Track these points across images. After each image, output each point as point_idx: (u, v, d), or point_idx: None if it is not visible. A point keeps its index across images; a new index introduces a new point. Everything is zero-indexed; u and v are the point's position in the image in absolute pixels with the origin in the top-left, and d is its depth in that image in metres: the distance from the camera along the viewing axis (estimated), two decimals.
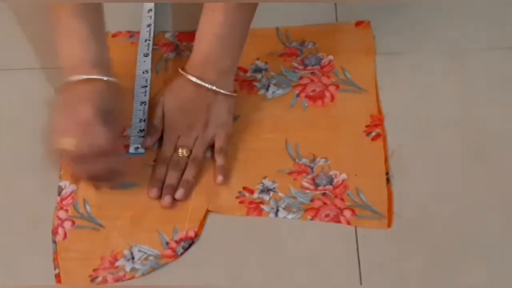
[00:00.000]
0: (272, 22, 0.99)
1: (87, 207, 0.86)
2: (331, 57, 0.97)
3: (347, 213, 0.84)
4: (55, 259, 0.83)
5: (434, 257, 0.81)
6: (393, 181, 0.86)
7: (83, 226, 0.85)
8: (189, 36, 0.99)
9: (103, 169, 0.82)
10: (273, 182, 0.87)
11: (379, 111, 0.92)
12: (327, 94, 0.93)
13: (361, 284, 0.80)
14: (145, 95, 0.93)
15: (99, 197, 0.87)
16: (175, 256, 0.83)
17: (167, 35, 1.00)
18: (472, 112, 0.91)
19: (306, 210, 0.85)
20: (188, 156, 0.87)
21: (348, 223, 0.84)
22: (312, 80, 0.94)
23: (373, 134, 0.90)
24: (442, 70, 0.95)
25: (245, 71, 0.96)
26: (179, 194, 0.85)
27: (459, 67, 0.95)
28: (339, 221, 0.84)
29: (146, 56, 0.96)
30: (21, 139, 0.92)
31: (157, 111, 0.90)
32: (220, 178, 0.86)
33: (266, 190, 0.86)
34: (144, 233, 0.84)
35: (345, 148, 0.89)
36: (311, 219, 0.84)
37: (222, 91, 0.87)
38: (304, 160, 0.88)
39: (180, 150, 0.87)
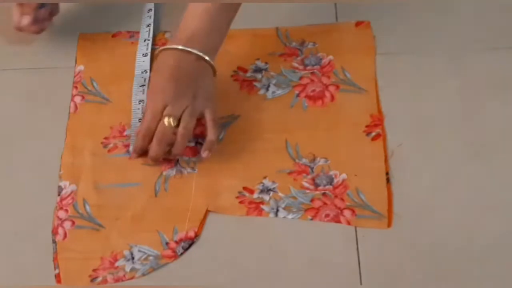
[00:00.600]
0: (272, 22, 0.99)
1: (87, 207, 0.86)
2: (331, 57, 0.97)
3: (347, 213, 0.84)
4: (55, 259, 0.83)
5: (434, 256, 0.81)
6: (393, 181, 0.86)
7: (83, 226, 0.85)
8: None
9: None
10: (273, 182, 0.87)
11: (379, 111, 0.91)
12: (327, 94, 0.93)
13: (361, 284, 0.80)
14: (143, 94, 0.93)
15: (99, 197, 0.87)
16: (175, 256, 0.83)
17: (167, 35, 1.00)
18: (472, 112, 0.91)
19: (306, 210, 0.85)
20: (176, 126, 0.84)
21: (348, 223, 0.84)
22: (312, 80, 0.94)
23: (373, 134, 0.90)
24: (442, 70, 0.95)
25: (245, 71, 0.96)
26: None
27: (459, 67, 0.95)
28: (339, 221, 0.84)
29: (145, 56, 0.96)
30: (21, 139, 0.92)
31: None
32: (206, 153, 0.85)
33: (266, 190, 0.86)
34: (144, 233, 0.84)
35: (345, 148, 0.89)
36: (311, 219, 0.84)
37: (211, 61, 0.85)
38: (304, 160, 0.88)
39: (166, 119, 0.83)
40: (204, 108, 0.86)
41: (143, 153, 0.87)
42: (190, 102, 0.84)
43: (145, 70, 0.95)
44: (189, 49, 0.84)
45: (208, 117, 0.86)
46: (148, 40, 0.98)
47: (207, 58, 0.85)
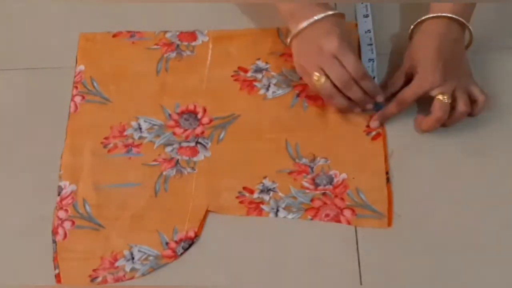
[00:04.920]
0: (273, 22, 0.99)
1: (87, 207, 0.86)
2: None
3: (347, 212, 0.84)
4: (55, 259, 0.83)
5: (434, 256, 0.81)
6: (393, 180, 0.86)
7: (83, 226, 0.85)
8: (190, 36, 0.99)
9: (360, 93, 0.86)
10: (273, 182, 0.87)
11: None
12: None
13: (361, 284, 0.80)
14: (372, 53, 0.95)
15: (99, 197, 0.87)
16: (175, 256, 0.83)
17: (168, 35, 1.00)
18: None
19: (306, 210, 0.85)
20: (451, 103, 0.87)
21: (348, 222, 0.84)
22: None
23: (373, 133, 0.90)
24: None
25: (246, 71, 0.96)
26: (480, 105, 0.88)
27: None
28: (339, 221, 0.84)
29: (366, 17, 0.98)
30: (21, 139, 0.92)
31: (401, 68, 0.91)
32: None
33: (266, 190, 0.86)
34: (144, 233, 0.84)
35: (345, 147, 0.89)
36: (311, 219, 0.84)
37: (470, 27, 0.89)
38: (304, 160, 0.88)
39: (441, 96, 0.86)
40: (469, 84, 0.88)
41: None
42: (456, 83, 0.87)
43: (368, 30, 0.97)
44: (453, 16, 0.87)
45: (476, 92, 0.88)
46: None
47: (467, 24, 0.88)
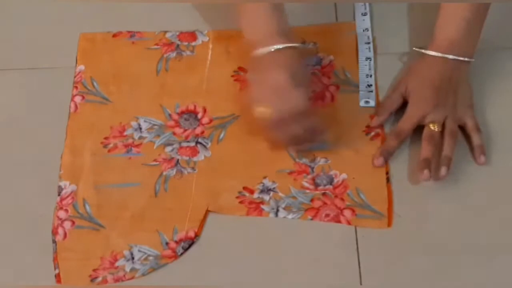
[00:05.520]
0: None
1: (87, 207, 0.86)
2: (331, 57, 0.96)
3: (347, 212, 0.84)
4: (55, 259, 0.83)
5: (434, 257, 0.81)
6: (393, 180, 0.86)
7: (83, 226, 0.85)
8: (190, 36, 0.99)
9: (303, 130, 0.84)
10: (273, 182, 0.87)
11: None
12: (328, 94, 0.93)
13: (361, 284, 0.80)
14: (369, 51, 0.95)
15: (99, 197, 0.87)
16: (175, 256, 0.83)
17: (168, 35, 1.00)
18: None
19: (306, 210, 0.85)
20: (441, 132, 0.86)
21: (348, 223, 0.84)
22: (312, 81, 0.94)
23: (372, 133, 0.90)
24: None
25: (246, 71, 0.96)
26: (443, 172, 0.84)
27: None
28: (339, 221, 0.84)
29: (364, 15, 0.98)
30: (21, 139, 0.92)
31: (398, 90, 0.90)
32: (483, 158, 0.86)
33: (266, 190, 0.86)
34: (144, 233, 0.84)
35: (345, 148, 0.89)
36: (311, 219, 0.84)
37: (466, 59, 0.87)
38: (304, 160, 0.88)
39: (431, 125, 0.86)
40: (465, 115, 0.87)
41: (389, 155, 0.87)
42: (450, 111, 0.86)
43: (366, 29, 0.97)
44: (449, 56, 0.87)
45: (469, 123, 0.87)
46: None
47: (467, 59, 0.87)
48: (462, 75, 0.88)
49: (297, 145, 0.87)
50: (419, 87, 0.88)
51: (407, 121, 0.87)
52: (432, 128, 0.86)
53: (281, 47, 0.83)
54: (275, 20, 0.85)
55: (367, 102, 0.91)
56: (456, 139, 0.86)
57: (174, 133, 0.91)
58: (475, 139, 0.87)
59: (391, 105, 0.90)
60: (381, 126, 0.90)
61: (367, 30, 0.97)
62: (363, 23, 0.98)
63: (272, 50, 0.83)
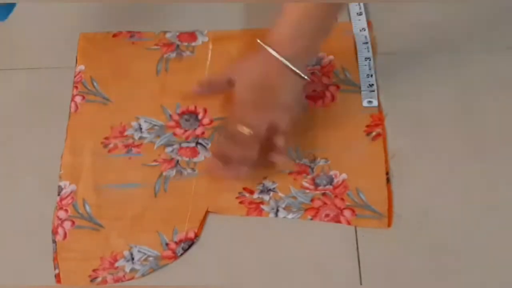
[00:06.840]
0: (273, 22, 0.99)
1: (87, 207, 0.86)
2: (331, 57, 0.96)
3: (347, 213, 0.84)
4: (55, 259, 0.83)
5: (434, 257, 0.81)
6: (393, 181, 0.86)
7: (83, 226, 0.85)
8: (190, 36, 0.99)
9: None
10: (273, 182, 0.87)
11: (379, 111, 0.91)
12: (328, 94, 0.93)
13: (361, 284, 0.80)
14: (368, 51, 0.95)
15: (99, 197, 0.87)
16: (175, 257, 0.83)
17: (168, 35, 1.00)
18: (472, 112, 0.91)
19: (306, 210, 0.85)
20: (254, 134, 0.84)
21: (348, 223, 0.84)
22: (312, 80, 0.94)
23: (373, 134, 0.90)
24: (442, 70, 0.95)
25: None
26: (244, 171, 0.84)
27: (459, 67, 0.94)
28: (339, 221, 0.84)
29: (360, 14, 0.98)
30: (21, 139, 0.92)
31: (224, 75, 0.88)
32: (277, 157, 0.85)
33: (266, 190, 0.86)
34: (144, 233, 0.84)
35: (345, 148, 0.89)
36: (311, 219, 0.84)
37: (295, 69, 0.84)
38: (304, 160, 0.88)
39: (245, 128, 0.83)
40: (279, 120, 0.84)
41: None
42: (267, 116, 0.84)
43: (363, 28, 0.97)
44: (276, 55, 0.83)
45: (279, 126, 0.84)
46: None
47: (292, 67, 0.84)
48: (288, 79, 0.84)
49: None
50: (241, 88, 0.85)
51: (233, 124, 0.84)
52: (246, 133, 0.83)
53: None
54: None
55: (370, 102, 0.91)
56: (261, 143, 0.84)
57: (174, 134, 0.91)
58: (278, 141, 0.84)
59: (215, 88, 0.90)
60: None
61: (364, 30, 0.97)
62: (359, 23, 0.98)
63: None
